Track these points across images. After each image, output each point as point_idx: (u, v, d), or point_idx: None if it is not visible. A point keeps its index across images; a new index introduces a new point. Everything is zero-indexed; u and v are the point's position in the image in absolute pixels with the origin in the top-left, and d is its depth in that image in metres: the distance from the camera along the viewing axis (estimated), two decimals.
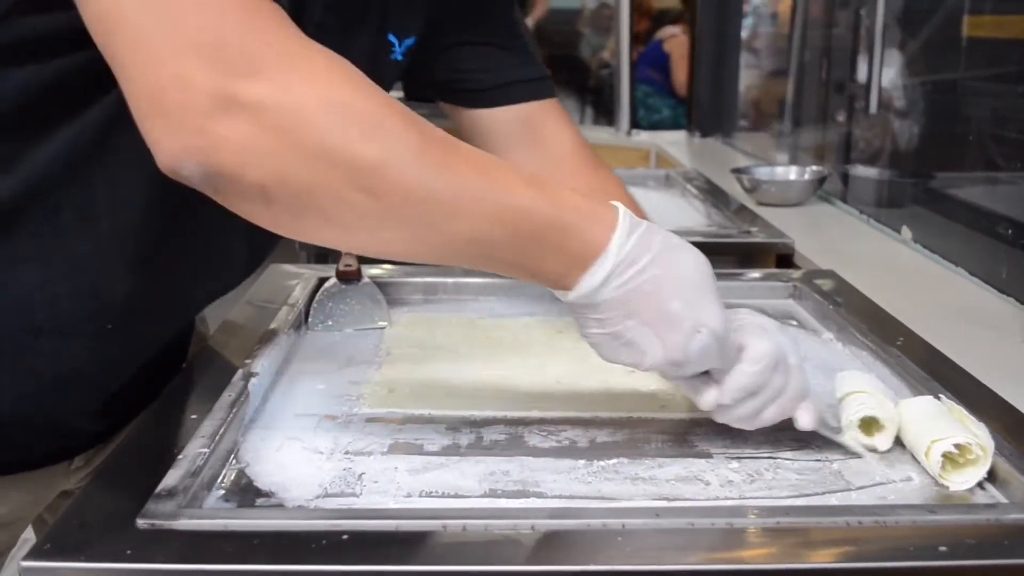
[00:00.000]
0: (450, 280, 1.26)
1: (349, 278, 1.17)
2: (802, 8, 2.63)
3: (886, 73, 1.98)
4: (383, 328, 1.12)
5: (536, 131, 1.08)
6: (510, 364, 1.01)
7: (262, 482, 0.76)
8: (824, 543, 0.64)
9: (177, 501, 0.68)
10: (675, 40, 4.75)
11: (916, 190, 1.74)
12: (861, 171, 1.87)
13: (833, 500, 0.74)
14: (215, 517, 0.67)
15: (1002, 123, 1.55)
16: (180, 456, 0.74)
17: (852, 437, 0.81)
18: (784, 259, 1.47)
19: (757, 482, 0.76)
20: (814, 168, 1.95)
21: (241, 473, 0.77)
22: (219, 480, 0.76)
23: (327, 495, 0.74)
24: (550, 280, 0.75)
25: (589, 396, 0.93)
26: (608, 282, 0.73)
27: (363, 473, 0.77)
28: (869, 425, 0.81)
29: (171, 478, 0.71)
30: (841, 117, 2.34)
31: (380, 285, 1.19)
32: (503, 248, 0.71)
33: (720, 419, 0.80)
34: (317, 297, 1.15)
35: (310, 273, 1.24)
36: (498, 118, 1.08)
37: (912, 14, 1.93)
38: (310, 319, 1.13)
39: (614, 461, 0.79)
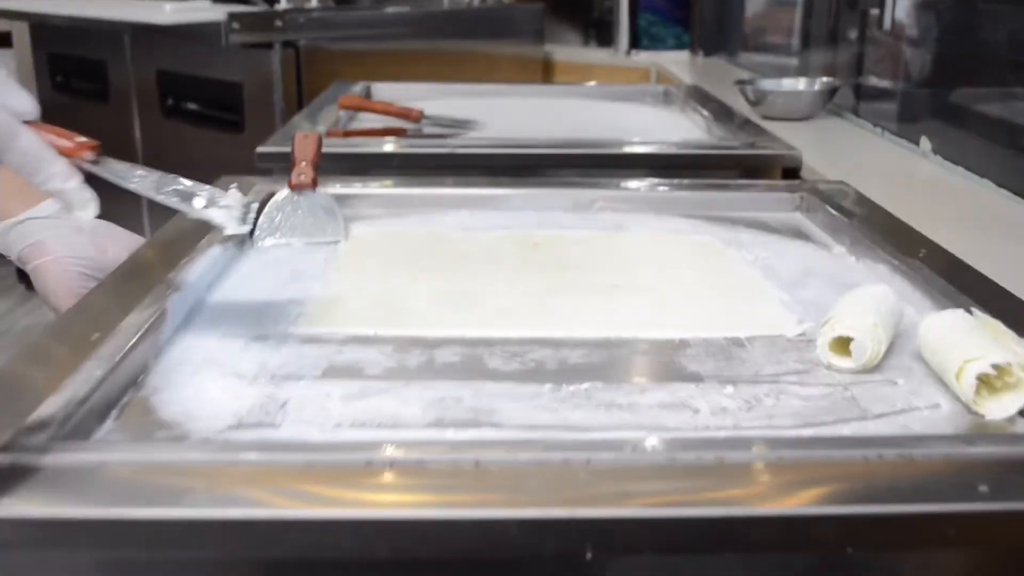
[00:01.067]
0: (416, 192, 1.13)
1: (303, 189, 1.04)
2: None
3: None
4: (336, 243, 1.00)
5: None
6: (475, 280, 0.88)
7: (167, 411, 0.64)
8: (837, 481, 0.52)
9: (52, 432, 0.56)
10: None
11: (935, 103, 1.60)
12: (875, 82, 1.72)
13: (847, 431, 0.61)
14: (93, 451, 0.55)
15: (1020, 46, 1.42)
16: (67, 380, 0.62)
17: (826, 360, 0.70)
18: (791, 173, 1.34)
19: (755, 410, 0.64)
20: (824, 79, 1.80)
21: (144, 401, 0.65)
22: (115, 409, 0.63)
23: (241, 426, 0.62)
24: None
25: (562, 314, 0.81)
26: None
27: (287, 400, 0.65)
28: (844, 345, 0.69)
29: (50, 405, 0.59)
30: (853, 35, 2.19)
31: (339, 198, 1.07)
32: None
33: None
34: (265, 208, 1.02)
35: (261, 185, 1.11)
36: None
37: None
38: (255, 232, 1.00)
39: (586, 386, 0.67)
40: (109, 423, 0.62)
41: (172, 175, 0.78)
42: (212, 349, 0.73)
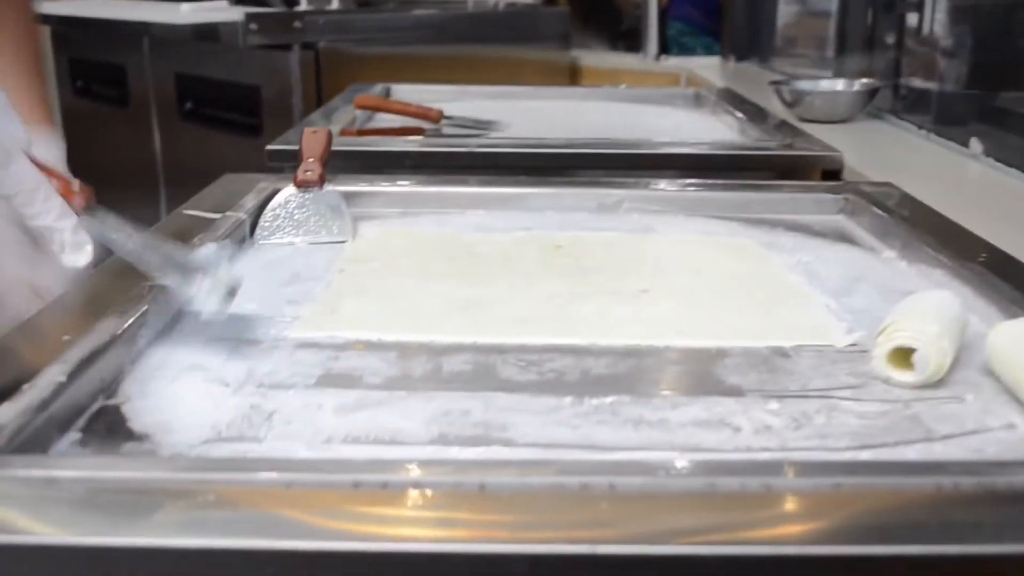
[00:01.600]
0: (432, 190, 1.06)
1: (309, 186, 0.97)
2: None
3: None
4: (343, 243, 0.92)
5: None
6: (491, 283, 0.81)
7: (139, 422, 0.57)
8: (907, 515, 0.44)
9: (1, 444, 0.49)
10: None
11: (981, 105, 1.52)
12: (919, 84, 1.63)
13: (911, 454, 0.53)
14: (44, 466, 0.48)
15: None
16: (27, 386, 0.55)
17: (884, 373, 0.62)
18: (831, 175, 1.25)
19: (805, 428, 0.56)
20: (864, 80, 1.71)
21: (115, 410, 0.58)
22: (81, 419, 0.56)
23: (220, 439, 0.55)
24: None
25: (586, 320, 0.73)
26: None
27: (274, 412, 0.58)
28: (904, 356, 0.61)
29: (2, 413, 0.52)
30: (890, 39, 2.11)
31: (348, 196, 1.00)
32: None
33: None
34: (269, 206, 0.96)
35: (267, 183, 1.04)
36: None
37: None
38: (256, 230, 0.93)
39: (611, 399, 0.59)
40: (72, 434, 0.55)
41: (161, 239, 0.70)
42: (197, 354, 0.66)
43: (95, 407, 0.58)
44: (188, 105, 2.60)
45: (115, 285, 0.73)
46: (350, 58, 2.33)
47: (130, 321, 0.65)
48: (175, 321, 0.71)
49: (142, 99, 2.74)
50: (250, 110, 2.35)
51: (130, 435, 0.55)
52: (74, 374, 0.57)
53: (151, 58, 2.66)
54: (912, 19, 1.87)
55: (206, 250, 0.73)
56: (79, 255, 0.69)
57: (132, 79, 2.76)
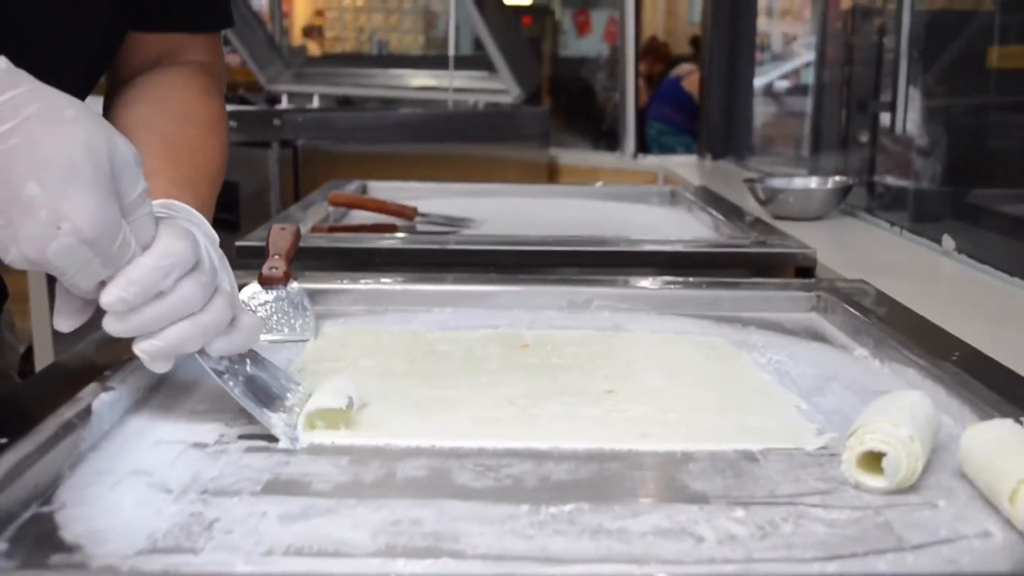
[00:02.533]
0: (398, 288, 1.04)
1: (273, 283, 0.96)
2: (820, 25, 2.45)
3: (912, 94, 1.78)
4: (304, 342, 0.90)
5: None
6: (451, 384, 0.79)
7: (71, 531, 0.54)
8: None
9: None
10: (694, 77, 4.57)
11: (956, 202, 1.53)
12: (892, 181, 1.65)
13: (882, 565, 0.51)
14: None
15: None
16: None
17: (854, 478, 0.59)
18: (804, 273, 1.25)
19: (771, 538, 0.53)
20: (837, 178, 1.72)
21: (47, 518, 0.55)
22: (10, 527, 0.53)
23: (155, 550, 0.52)
24: None
25: (548, 422, 0.71)
26: None
27: (216, 520, 0.55)
28: (875, 460, 0.59)
29: None
30: (864, 138, 2.14)
31: (314, 294, 0.98)
32: None
33: (120, 331, 0.63)
34: None
35: None
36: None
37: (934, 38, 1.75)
38: None
39: (570, 507, 0.56)
40: (0, 544, 0.52)
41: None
42: (142, 458, 0.63)
43: (27, 514, 0.55)
44: None
45: (64, 382, 0.71)
46: (329, 155, 2.35)
47: (72, 423, 0.63)
48: (122, 422, 0.69)
49: None
50: (228, 206, 2.35)
51: (60, 545, 0.52)
52: (6, 479, 0.54)
53: None
54: (885, 119, 1.90)
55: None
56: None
57: None
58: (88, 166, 0.57)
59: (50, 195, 0.56)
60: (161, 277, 0.61)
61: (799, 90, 2.96)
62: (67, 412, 0.64)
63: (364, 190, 1.88)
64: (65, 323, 0.65)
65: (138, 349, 0.64)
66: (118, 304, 0.61)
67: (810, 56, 2.75)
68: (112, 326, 0.63)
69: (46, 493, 0.58)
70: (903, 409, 0.62)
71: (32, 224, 0.56)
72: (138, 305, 0.61)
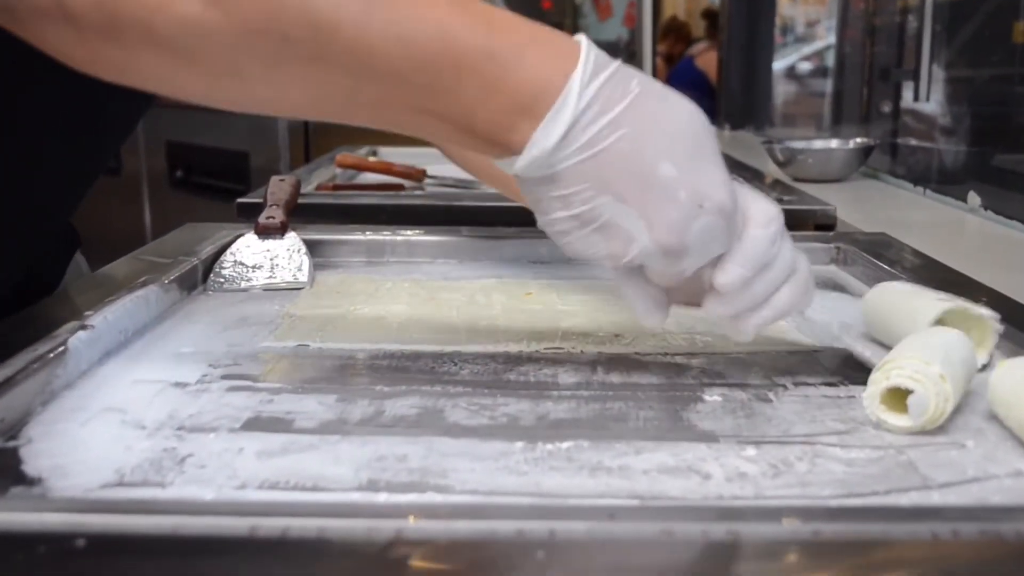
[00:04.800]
0: (399, 238, 1.00)
1: (269, 232, 0.92)
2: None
3: (935, 69, 1.72)
4: (299, 290, 0.87)
5: None
6: (451, 332, 0.75)
7: (34, 464, 0.50)
8: (899, 568, 0.37)
9: None
10: (707, 56, 4.51)
11: (982, 164, 1.47)
12: (915, 142, 1.59)
13: (904, 502, 0.47)
14: None
15: None
16: None
17: (875, 415, 0.55)
18: (824, 229, 1.20)
19: (784, 476, 0.49)
20: (858, 139, 1.67)
21: (11, 452, 0.52)
22: None
23: (121, 483, 0.48)
24: (490, 137, 0.53)
25: (551, 363, 0.67)
26: (569, 138, 0.52)
27: (188, 456, 0.51)
28: (900, 398, 0.55)
29: None
30: (886, 108, 2.08)
31: (312, 245, 0.95)
32: (420, 87, 0.52)
33: (725, 311, 0.58)
34: (226, 251, 0.90)
35: (227, 232, 0.99)
36: None
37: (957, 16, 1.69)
38: (210, 277, 0.88)
39: (568, 444, 0.53)
40: None
41: None
42: (118, 397, 0.60)
43: None
44: (178, 173, 2.58)
45: (42, 321, 0.67)
46: (340, 125, 2.31)
47: (45, 358, 0.59)
48: (102, 363, 0.66)
49: (134, 167, 2.72)
50: (238, 176, 2.32)
51: (21, 478, 0.49)
52: None
53: (143, 125, 2.64)
54: (907, 98, 1.85)
55: None
56: None
57: (124, 146, 2.74)
58: (707, 137, 0.54)
59: (685, 174, 0.52)
60: (770, 245, 0.57)
61: (820, 71, 2.91)
62: (41, 348, 0.61)
63: (374, 155, 1.84)
64: (658, 317, 0.61)
65: (751, 327, 0.59)
66: (738, 283, 0.57)
67: (832, 38, 2.70)
68: (720, 308, 0.58)
69: (13, 429, 0.54)
70: (936, 347, 0.57)
71: (673, 208, 0.53)
72: (751, 279, 0.57)
